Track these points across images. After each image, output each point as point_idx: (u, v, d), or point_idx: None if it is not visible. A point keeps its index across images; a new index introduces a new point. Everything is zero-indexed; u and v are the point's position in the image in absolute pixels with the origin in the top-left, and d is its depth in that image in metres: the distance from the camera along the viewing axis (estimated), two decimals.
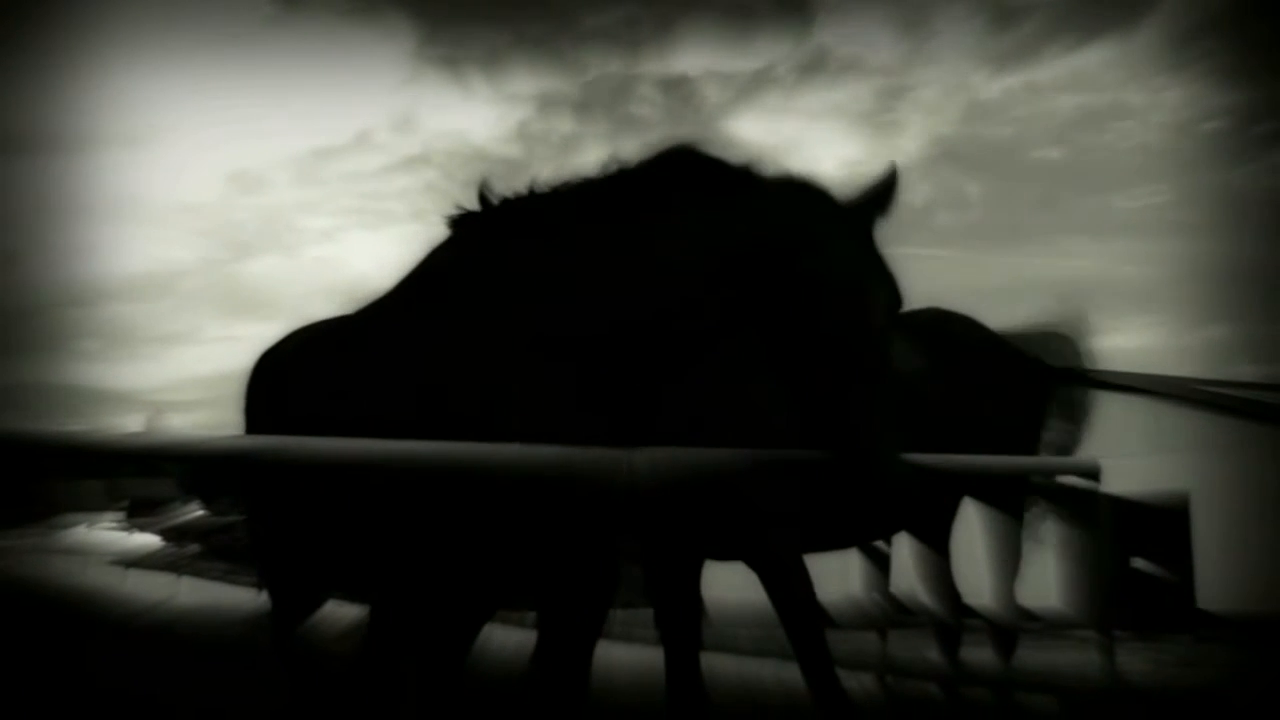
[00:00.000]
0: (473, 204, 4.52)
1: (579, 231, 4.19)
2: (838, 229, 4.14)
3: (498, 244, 4.36)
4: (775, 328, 4.06)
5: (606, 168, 4.34)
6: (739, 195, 4.14)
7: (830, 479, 4.22)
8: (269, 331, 5.55)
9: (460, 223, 4.57)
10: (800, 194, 4.22)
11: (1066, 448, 7.10)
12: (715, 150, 4.29)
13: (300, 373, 4.97)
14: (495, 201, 4.45)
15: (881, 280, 4.18)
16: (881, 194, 4.27)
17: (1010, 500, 6.73)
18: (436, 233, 4.70)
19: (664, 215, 4.12)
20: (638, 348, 4.05)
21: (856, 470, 4.07)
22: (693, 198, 4.13)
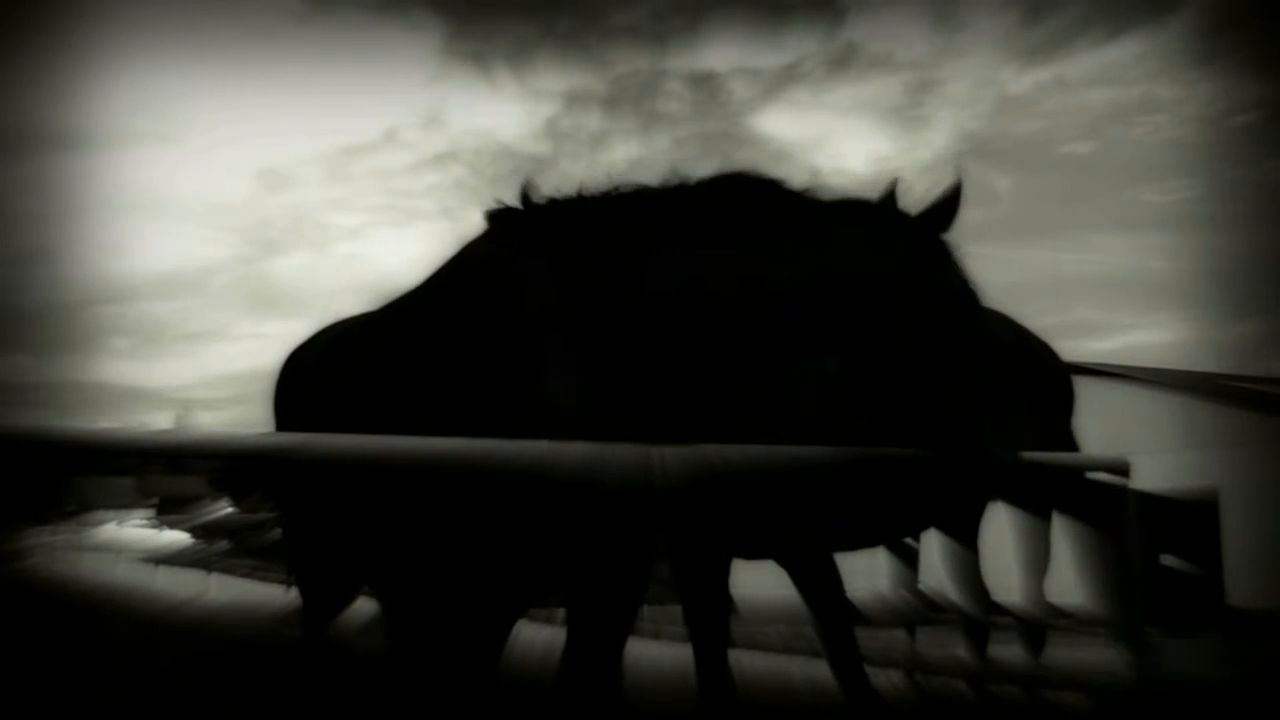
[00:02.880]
0: (508, 200, 4.47)
1: (638, 245, 4.15)
2: (906, 251, 4.15)
3: (546, 245, 4.31)
4: (853, 353, 4.10)
5: (667, 182, 4.31)
6: (804, 222, 4.13)
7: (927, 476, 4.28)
8: (298, 328, 5.57)
9: (500, 219, 4.52)
10: (866, 218, 4.22)
11: None
12: (773, 175, 4.29)
13: (331, 369, 4.97)
14: (541, 201, 4.41)
15: (955, 292, 4.20)
16: (946, 207, 4.27)
17: (1039, 496, 6.70)
18: (468, 228, 4.67)
19: (729, 241, 4.09)
20: (690, 367, 4.04)
21: (968, 468, 4.13)
22: (759, 225, 4.11)
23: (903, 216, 4.27)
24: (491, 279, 4.35)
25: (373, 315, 5.04)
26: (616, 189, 4.31)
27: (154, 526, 62.13)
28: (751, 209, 4.14)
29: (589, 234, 4.22)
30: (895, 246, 4.15)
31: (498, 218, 4.49)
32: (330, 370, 4.96)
